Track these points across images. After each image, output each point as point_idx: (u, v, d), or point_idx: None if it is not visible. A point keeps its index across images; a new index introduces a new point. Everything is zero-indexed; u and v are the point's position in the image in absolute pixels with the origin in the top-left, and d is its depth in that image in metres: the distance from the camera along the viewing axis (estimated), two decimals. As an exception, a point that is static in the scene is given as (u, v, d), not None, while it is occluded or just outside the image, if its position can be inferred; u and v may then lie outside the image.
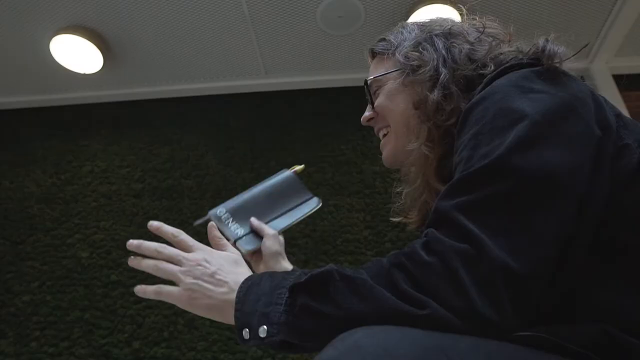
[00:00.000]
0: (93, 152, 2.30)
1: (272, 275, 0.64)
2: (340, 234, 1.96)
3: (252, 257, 0.93)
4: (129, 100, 2.44)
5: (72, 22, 2.04)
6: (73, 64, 2.18)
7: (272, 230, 0.93)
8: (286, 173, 1.01)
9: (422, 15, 1.94)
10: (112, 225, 2.06)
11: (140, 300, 1.84)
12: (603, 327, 0.49)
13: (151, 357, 1.73)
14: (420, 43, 0.78)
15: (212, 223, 0.86)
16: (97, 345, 1.76)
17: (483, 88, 0.64)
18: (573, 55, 0.64)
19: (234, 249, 0.79)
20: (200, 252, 0.73)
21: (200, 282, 0.67)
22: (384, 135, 0.86)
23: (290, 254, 2.03)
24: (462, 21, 0.82)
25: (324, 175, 2.14)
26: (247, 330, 0.59)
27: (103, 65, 2.19)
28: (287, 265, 0.93)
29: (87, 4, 1.96)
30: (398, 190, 0.87)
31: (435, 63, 0.74)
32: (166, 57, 2.24)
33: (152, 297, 0.72)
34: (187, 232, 0.77)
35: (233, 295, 0.64)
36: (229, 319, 0.63)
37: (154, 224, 0.76)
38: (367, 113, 0.88)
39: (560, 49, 0.63)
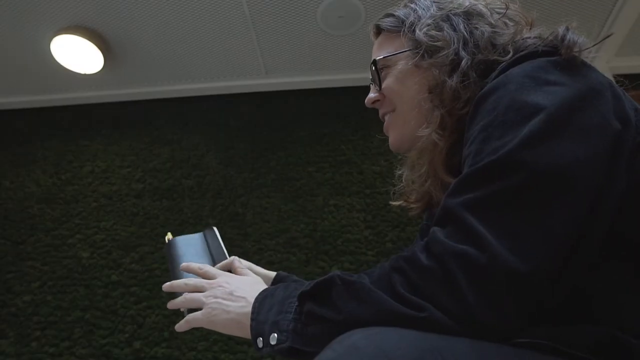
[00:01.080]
0: (93, 152, 2.30)
1: (286, 286, 0.65)
2: (340, 234, 1.96)
3: None
4: (129, 101, 2.44)
5: (72, 23, 2.04)
6: (73, 64, 2.18)
7: (227, 259, 0.92)
8: (171, 244, 1.00)
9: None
10: (112, 226, 2.06)
11: (141, 300, 1.84)
12: (608, 329, 0.48)
13: (152, 357, 1.73)
14: (439, 22, 0.72)
15: (233, 258, 0.91)
16: (97, 346, 1.76)
17: (497, 76, 0.61)
18: (593, 45, 0.62)
19: (254, 274, 0.84)
20: (222, 277, 0.78)
21: (220, 300, 0.71)
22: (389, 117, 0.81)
23: (290, 253, 2.04)
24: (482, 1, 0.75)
25: (324, 175, 2.14)
26: (261, 339, 0.61)
27: (103, 66, 2.19)
28: (264, 271, 0.97)
29: (88, 5, 1.96)
30: (399, 172, 0.84)
31: (456, 46, 0.68)
32: (166, 57, 2.24)
33: (186, 328, 0.76)
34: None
35: (249, 308, 0.66)
36: (248, 332, 0.65)
37: (183, 265, 0.84)
38: (373, 95, 0.81)
39: (580, 39, 0.60)
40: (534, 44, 0.65)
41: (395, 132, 0.79)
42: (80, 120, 2.41)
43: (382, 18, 0.81)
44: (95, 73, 2.24)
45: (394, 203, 0.87)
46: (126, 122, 2.39)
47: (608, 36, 0.64)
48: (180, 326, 0.76)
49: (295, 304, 0.59)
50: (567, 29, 0.62)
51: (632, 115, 0.57)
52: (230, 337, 1.74)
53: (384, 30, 0.81)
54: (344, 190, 2.09)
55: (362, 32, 2.11)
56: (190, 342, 1.74)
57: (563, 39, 0.60)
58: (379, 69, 0.79)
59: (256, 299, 0.67)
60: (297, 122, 2.32)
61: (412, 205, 0.83)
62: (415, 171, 0.76)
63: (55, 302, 1.88)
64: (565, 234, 0.50)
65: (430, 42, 0.70)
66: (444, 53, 0.68)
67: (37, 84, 2.36)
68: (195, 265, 0.83)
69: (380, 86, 0.79)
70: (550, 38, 0.63)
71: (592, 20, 2.08)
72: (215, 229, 1.03)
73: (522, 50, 0.64)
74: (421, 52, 0.71)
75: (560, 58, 0.59)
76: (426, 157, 0.71)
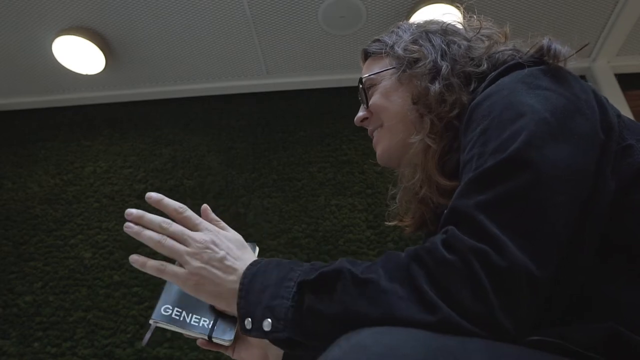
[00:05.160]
0: (95, 152, 2.31)
1: (279, 264, 0.61)
2: (342, 234, 1.96)
3: (233, 345, 0.78)
4: (130, 101, 2.44)
5: (74, 24, 2.05)
6: (75, 64, 2.18)
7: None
8: None
9: (424, 14, 1.93)
10: (114, 226, 2.06)
11: (142, 300, 1.84)
12: (612, 325, 0.49)
13: (154, 358, 1.73)
14: (417, 39, 0.78)
15: (203, 209, 0.74)
16: (99, 346, 1.77)
17: (487, 86, 0.64)
18: (574, 53, 0.64)
19: (234, 231, 0.72)
20: (207, 232, 0.67)
21: (208, 267, 0.63)
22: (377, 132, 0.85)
23: (292, 254, 2.04)
24: (459, 21, 0.82)
25: (325, 175, 2.14)
26: (250, 320, 0.58)
27: (105, 66, 2.20)
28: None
29: (89, 6, 1.97)
30: (393, 193, 0.86)
31: (434, 56, 0.73)
32: (168, 58, 2.24)
33: (152, 272, 0.66)
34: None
35: (236, 286, 0.62)
36: (232, 307, 0.61)
37: (153, 195, 0.68)
38: (361, 113, 0.86)
39: (564, 49, 0.63)
40: (513, 55, 0.69)
41: (382, 145, 0.83)
42: (82, 121, 2.42)
43: (369, 44, 0.88)
44: (97, 74, 2.24)
45: (388, 223, 0.89)
46: (128, 123, 2.39)
47: (584, 46, 0.68)
48: (145, 266, 0.66)
49: (293, 290, 0.55)
50: (550, 39, 0.65)
51: (615, 121, 0.60)
52: (232, 337, 1.74)
53: (370, 53, 0.87)
54: (345, 190, 2.09)
55: (363, 32, 2.11)
56: (192, 342, 1.74)
57: (549, 49, 0.63)
58: (365, 88, 0.84)
59: (245, 274, 0.61)
60: (299, 122, 2.32)
61: (406, 224, 0.84)
62: (408, 179, 0.76)
63: (57, 303, 1.88)
64: (569, 236, 0.52)
65: (408, 55, 0.77)
66: (422, 63, 0.74)
67: (38, 85, 2.37)
68: (172, 203, 0.68)
69: (367, 104, 0.83)
70: (536, 49, 0.66)
71: (594, 19, 2.08)
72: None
73: (503, 62, 0.68)
74: (402, 67, 0.77)
75: (547, 67, 0.62)
76: (419, 162, 0.72)
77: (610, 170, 0.56)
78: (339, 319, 0.51)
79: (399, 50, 0.78)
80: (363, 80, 0.84)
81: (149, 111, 2.42)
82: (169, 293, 0.75)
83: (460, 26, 0.80)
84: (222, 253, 0.65)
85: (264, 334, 0.56)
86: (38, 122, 2.43)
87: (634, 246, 0.55)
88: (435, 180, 0.70)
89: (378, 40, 0.86)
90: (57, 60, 2.15)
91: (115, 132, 2.37)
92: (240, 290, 0.60)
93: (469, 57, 0.72)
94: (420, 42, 0.77)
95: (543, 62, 0.64)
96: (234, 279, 0.63)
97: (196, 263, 0.63)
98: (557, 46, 0.63)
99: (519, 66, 0.64)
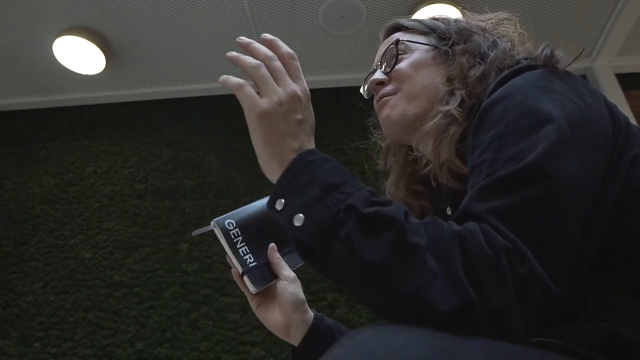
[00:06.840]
0: (95, 152, 2.31)
1: (338, 167, 0.56)
2: (342, 234, 1.96)
3: (255, 297, 0.79)
4: (131, 101, 2.44)
5: (74, 24, 2.05)
6: (75, 65, 2.19)
7: (292, 272, 0.79)
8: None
9: (424, 14, 1.93)
10: (114, 226, 2.06)
11: (143, 300, 1.84)
12: (612, 325, 0.49)
13: (154, 358, 1.73)
14: (468, 27, 0.80)
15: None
16: (100, 346, 1.77)
17: (496, 87, 0.63)
18: (572, 61, 0.65)
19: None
20: (301, 90, 0.64)
21: (283, 116, 0.60)
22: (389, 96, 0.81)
23: (292, 254, 2.01)
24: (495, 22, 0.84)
25: (326, 175, 2.14)
26: (283, 201, 0.55)
27: (105, 66, 2.20)
28: (309, 317, 0.81)
29: (90, 6, 1.97)
30: (386, 183, 0.87)
31: (485, 45, 0.75)
32: (168, 58, 2.24)
33: (230, 86, 0.64)
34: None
35: (293, 156, 0.57)
36: (271, 170, 0.58)
37: (243, 39, 0.67)
38: (380, 76, 0.81)
39: (558, 53, 0.65)
40: (525, 56, 0.71)
41: (397, 110, 0.79)
42: (83, 121, 2.42)
43: (403, 20, 0.87)
44: (97, 74, 2.25)
45: None
46: (128, 123, 2.39)
47: (582, 51, 0.68)
48: (228, 81, 0.64)
49: (340, 207, 0.51)
50: (547, 45, 0.67)
51: (624, 130, 0.60)
52: (232, 338, 1.74)
53: (406, 27, 0.85)
54: (345, 190, 2.09)
55: (364, 32, 2.11)
56: (192, 342, 1.74)
57: (543, 49, 0.66)
58: (398, 51, 0.80)
59: (300, 156, 0.56)
60: (299, 122, 2.32)
61: None
62: (424, 149, 0.75)
63: (57, 303, 1.88)
64: (578, 244, 0.52)
65: (467, 32, 0.78)
66: (474, 45, 0.75)
67: (39, 85, 2.37)
68: (262, 48, 0.66)
69: (392, 67, 0.80)
70: (542, 54, 0.67)
71: (594, 18, 2.08)
72: None
73: (516, 62, 0.69)
74: (448, 45, 0.77)
75: (558, 70, 0.63)
76: (438, 135, 0.70)
77: (615, 177, 0.56)
78: (368, 265, 0.48)
79: (454, 26, 0.79)
80: (400, 40, 0.81)
81: (150, 111, 2.42)
82: (242, 213, 0.74)
83: (503, 28, 0.82)
84: (301, 117, 0.61)
85: (289, 224, 0.53)
86: (38, 122, 2.43)
87: (635, 249, 0.55)
88: (449, 159, 0.68)
89: (416, 20, 0.85)
90: (57, 61, 2.15)
91: (116, 132, 2.37)
92: (288, 168, 0.56)
93: (507, 54, 0.74)
94: (472, 29, 0.79)
95: (549, 65, 0.64)
96: (294, 147, 0.58)
97: (275, 103, 0.61)
98: (548, 49, 0.65)
99: (528, 69, 0.64)
